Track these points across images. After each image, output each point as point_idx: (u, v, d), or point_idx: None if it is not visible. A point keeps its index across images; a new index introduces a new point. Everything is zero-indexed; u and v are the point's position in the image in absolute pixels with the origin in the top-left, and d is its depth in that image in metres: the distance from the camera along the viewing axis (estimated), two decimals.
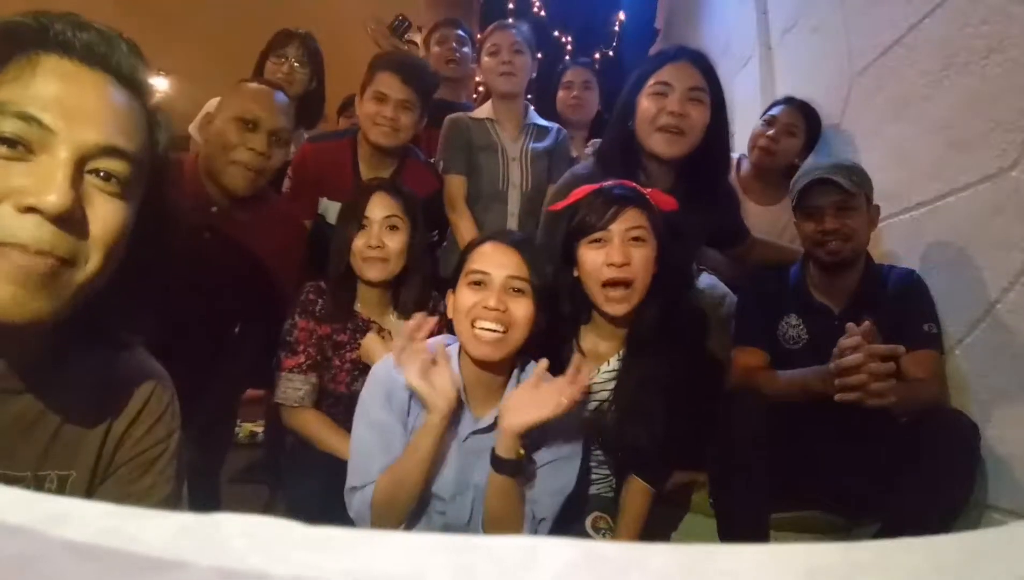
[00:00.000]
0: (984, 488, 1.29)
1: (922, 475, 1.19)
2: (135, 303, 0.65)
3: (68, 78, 0.54)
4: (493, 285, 1.08)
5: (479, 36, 2.08)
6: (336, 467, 1.18)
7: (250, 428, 2.16)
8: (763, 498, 1.31)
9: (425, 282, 1.48)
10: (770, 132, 1.99)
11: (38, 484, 0.63)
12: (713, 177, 1.53)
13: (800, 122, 1.99)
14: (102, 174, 0.55)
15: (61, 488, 0.65)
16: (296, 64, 1.96)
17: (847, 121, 1.92)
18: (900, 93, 1.64)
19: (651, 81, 1.44)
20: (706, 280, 1.97)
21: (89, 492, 0.67)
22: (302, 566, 0.19)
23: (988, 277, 1.34)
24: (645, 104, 1.44)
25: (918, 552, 0.20)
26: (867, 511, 1.39)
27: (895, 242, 1.62)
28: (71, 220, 0.52)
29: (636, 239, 1.18)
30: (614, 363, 1.28)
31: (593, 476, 1.36)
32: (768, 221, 1.98)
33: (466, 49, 2.38)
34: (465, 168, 1.90)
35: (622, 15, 4.06)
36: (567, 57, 4.13)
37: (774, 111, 2.02)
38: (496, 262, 1.10)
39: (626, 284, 1.17)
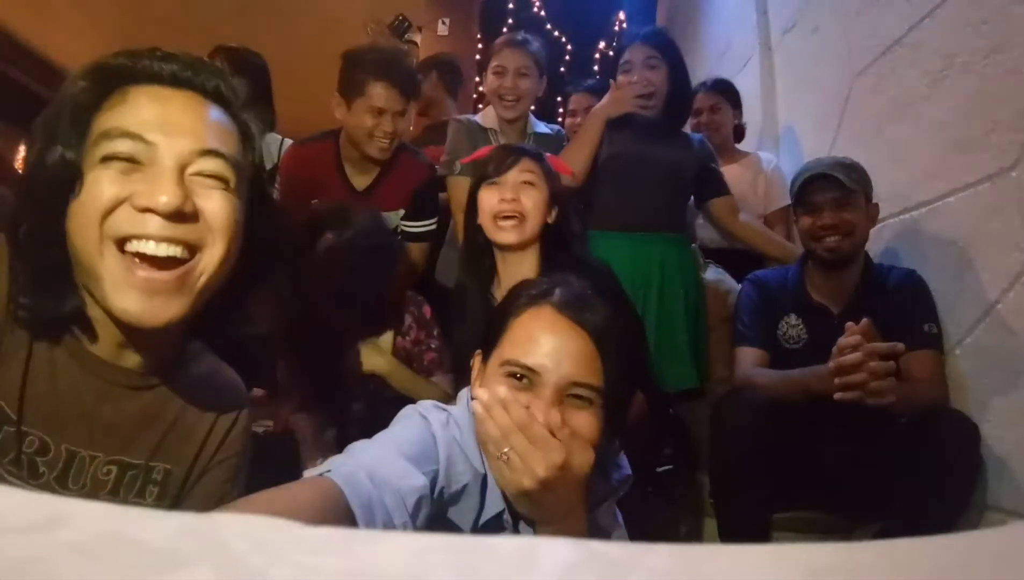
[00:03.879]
0: (984, 488, 1.29)
1: (922, 475, 1.19)
2: (251, 303, 0.73)
3: (161, 100, 0.64)
4: (544, 389, 0.71)
5: (490, 46, 2.06)
6: None
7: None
8: (763, 498, 1.31)
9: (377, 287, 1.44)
10: (703, 117, 2.28)
11: (147, 474, 0.70)
12: (678, 114, 1.89)
13: (720, 98, 2.29)
14: (205, 173, 0.63)
15: (165, 481, 0.72)
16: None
17: (847, 121, 1.92)
18: (900, 93, 1.64)
19: (620, 61, 1.85)
20: (713, 274, 1.98)
21: (182, 489, 0.73)
22: (302, 566, 0.19)
23: (988, 277, 1.34)
24: (620, 78, 1.83)
25: (918, 552, 0.20)
26: (867, 511, 1.39)
27: (895, 242, 1.62)
28: (184, 215, 0.60)
29: (527, 183, 1.30)
30: None
31: None
32: (730, 177, 2.14)
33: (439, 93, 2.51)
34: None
35: (622, 15, 4.06)
36: (567, 57, 4.13)
37: (695, 104, 2.25)
38: (554, 353, 0.72)
39: (516, 216, 1.27)
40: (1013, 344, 1.27)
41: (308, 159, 1.76)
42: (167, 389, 0.70)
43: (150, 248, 0.59)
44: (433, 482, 0.69)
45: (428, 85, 2.44)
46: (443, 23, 3.88)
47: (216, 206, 0.63)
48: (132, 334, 0.64)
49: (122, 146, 0.60)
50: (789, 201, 2.18)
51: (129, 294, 0.59)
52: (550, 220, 1.32)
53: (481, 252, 1.34)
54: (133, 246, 0.59)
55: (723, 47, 2.96)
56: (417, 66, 2.66)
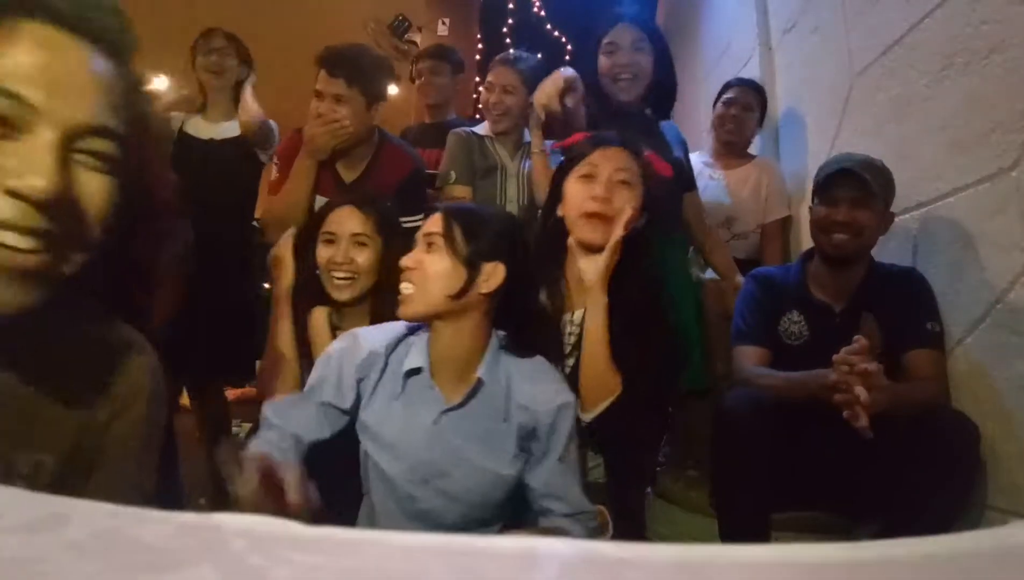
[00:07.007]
0: (984, 488, 1.29)
1: (922, 475, 1.19)
2: (120, 280, 0.62)
3: (50, 47, 0.48)
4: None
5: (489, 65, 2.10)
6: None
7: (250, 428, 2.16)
8: (763, 498, 1.31)
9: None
10: (734, 112, 2.23)
11: (7, 470, 0.58)
12: (663, 103, 1.82)
13: (753, 99, 2.25)
14: (89, 153, 0.50)
15: (35, 474, 0.59)
16: (222, 55, 2.04)
17: (847, 121, 1.92)
18: (900, 93, 1.64)
19: (603, 42, 1.75)
20: (711, 273, 1.98)
21: (63, 481, 0.60)
22: (302, 566, 0.19)
23: (988, 277, 1.33)
24: (602, 60, 1.74)
25: (918, 552, 0.20)
26: (867, 511, 1.39)
27: (895, 242, 1.61)
28: (59, 205, 0.48)
29: (623, 182, 1.22)
30: (578, 317, 1.26)
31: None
32: (737, 180, 2.23)
33: (442, 79, 2.47)
34: (471, 180, 1.95)
35: None
36: (567, 57, 4.13)
37: (730, 95, 2.25)
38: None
39: (606, 218, 1.19)
40: (1014, 344, 1.27)
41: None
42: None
43: (9, 239, 0.47)
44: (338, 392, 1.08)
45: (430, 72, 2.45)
46: (443, 23, 3.88)
47: (97, 193, 0.51)
48: None
49: None
50: (787, 212, 2.20)
51: None
52: (638, 225, 1.24)
53: (552, 241, 1.28)
54: None
55: (723, 47, 2.96)
56: (416, 56, 2.68)
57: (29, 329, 0.55)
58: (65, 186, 0.48)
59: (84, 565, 0.19)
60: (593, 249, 1.21)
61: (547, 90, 1.53)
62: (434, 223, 1.08)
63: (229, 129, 2.02)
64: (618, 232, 1.18)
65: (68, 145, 0.49)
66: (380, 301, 1.40)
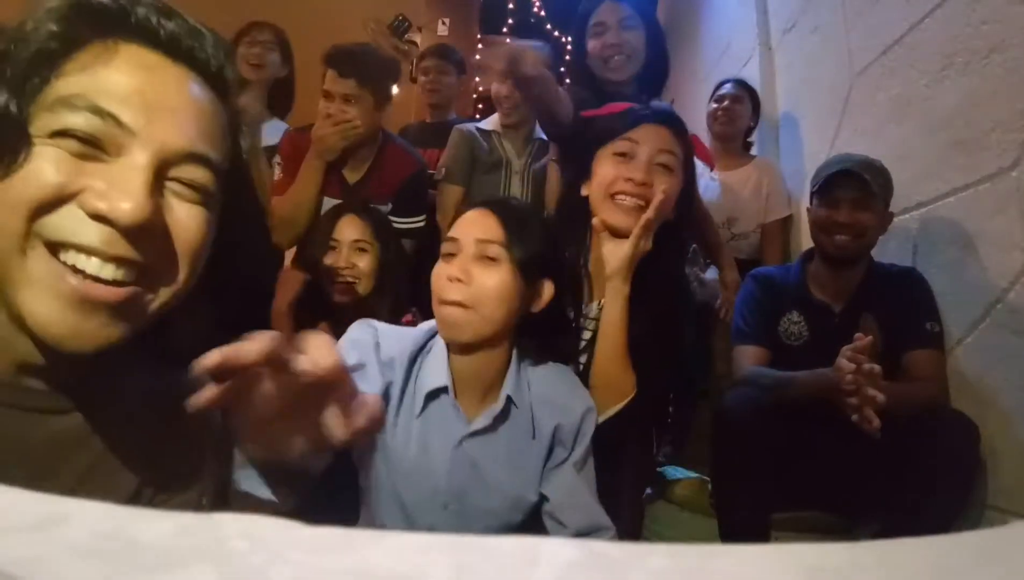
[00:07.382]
0: (984, 488, 1.29)
1: (922, 475, 1.19)
2: (208, 321, 0.58)
3: (150, 71, 0.47)
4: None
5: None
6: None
7: None
8: (763, 498, 1.31)
9: (396, 300, 1.44)
10: (725, 104, 2.24)
11: None
12: (654, 83, 1.71)
13: (744, 92, 2.26)
14: (183, 182, 0.48)
15: None
16: (265, 49, 2.01)
17: (847, 121, 1.92)
18: (900, 93, 1.64)
19: (590, 23, 1.63)
20: (712, 273, 1.98)
21: None
22: (302, 566, 0.19)
23: (988, 277, 1.34)
24: (591, 43, 1.63)
25: (918, 552, 0.20)
26: (867, 511, 1.39)
27: (895, 242, 1.62)
28: (147, 233, 0.45)
29: (663, 166, 1.08)
30: (594, 310, 1.15)
31: None
32: (737, 181, 2.23)
33: (448, 78, 2.44)
34: (466, 180, 1.92)
35: None
36: (567, 57, 4.13)
37: (721, 91, 2.27)
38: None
39: (641, 200, 1.05)
40: (1014, 344, 1.27)
41: (305, 149, 1.74)
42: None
43: (92, 266, 0.44)
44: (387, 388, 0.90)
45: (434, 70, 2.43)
46: (443, 23, 3.89)
47: (189, 225, 0.48)
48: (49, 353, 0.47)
49: (84, 122, 0.44)
50: (788, 212, 2.20)
51: (55, 307, 0.44)
52: (669, 216, 1.11)
53: (572, 222, 1.15)
54: (69, 257, 0.44)
55: (723, 47, 2.96)
56: (419, 55, 2.68)
57: (105, 369, 0.52)
58: (155, 213, 0.45)
59: (84, 565, 0.19)
60: (619, 234, 1.07)
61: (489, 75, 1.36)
62: (487, 228, 0.90)
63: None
64: (649, 214, 1.03)
65: (162, 171, 0.47)
66: (376, 305, 1.41)
